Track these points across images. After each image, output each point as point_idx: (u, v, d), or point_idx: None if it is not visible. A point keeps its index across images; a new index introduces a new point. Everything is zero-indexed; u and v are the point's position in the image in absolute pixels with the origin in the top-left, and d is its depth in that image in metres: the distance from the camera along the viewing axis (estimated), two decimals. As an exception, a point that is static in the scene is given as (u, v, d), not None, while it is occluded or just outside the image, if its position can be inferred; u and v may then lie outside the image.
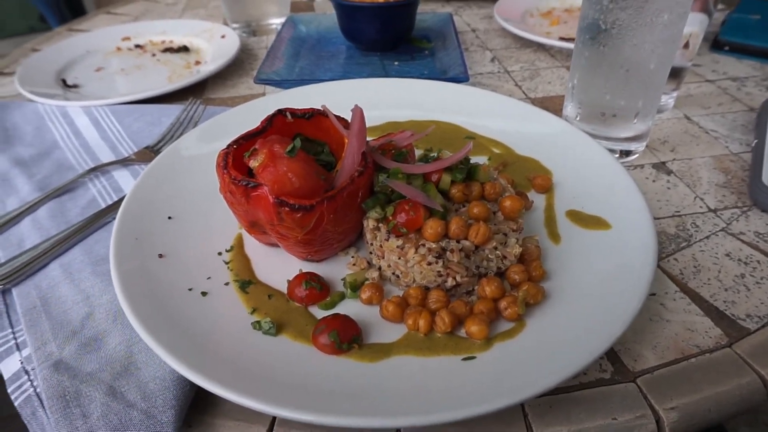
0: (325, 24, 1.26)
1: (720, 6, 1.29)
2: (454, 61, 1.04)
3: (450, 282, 0.56)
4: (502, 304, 0.55)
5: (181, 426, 0.49)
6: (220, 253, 0.63)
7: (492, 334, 0.53)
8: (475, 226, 0.57)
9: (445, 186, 0.61)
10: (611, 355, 0.55)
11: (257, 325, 0.54)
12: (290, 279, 0.59)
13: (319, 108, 0.64)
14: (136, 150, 0.86)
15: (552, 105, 0.97)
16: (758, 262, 0.65)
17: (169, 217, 0.67)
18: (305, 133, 0.65)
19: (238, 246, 0.65)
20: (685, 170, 0.80)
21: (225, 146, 0.59)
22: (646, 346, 0.56)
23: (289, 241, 0.58)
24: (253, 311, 0.56)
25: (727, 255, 0.66)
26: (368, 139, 0.72)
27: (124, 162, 0.83)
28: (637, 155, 0.82)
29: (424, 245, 0.56)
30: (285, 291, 0.59)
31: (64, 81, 1.07)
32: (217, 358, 0.50)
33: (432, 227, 0.56)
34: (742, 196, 0.75)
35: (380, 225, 0.59)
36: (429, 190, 0.59)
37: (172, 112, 0.94)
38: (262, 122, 0.61)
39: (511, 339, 0.53)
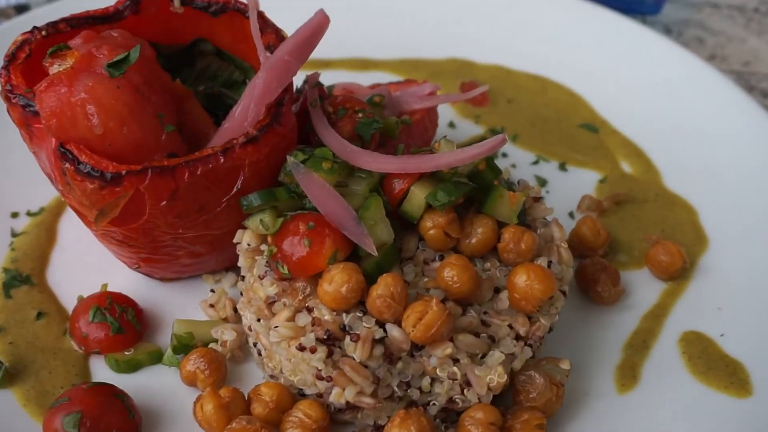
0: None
1: None
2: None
3: (336, 397, 0.27)
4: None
5: None
6: (15, 215, 0.39)
7: None
8: (422, 302, 0.27)
9: (412, 209, 0.31)
10: None
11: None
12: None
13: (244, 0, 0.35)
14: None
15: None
16: None
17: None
18: (217, 43, 0.38)
19: (52, 212, 0.40)
20: None
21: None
22: None
23: (92, 228, 0.32)
24: (-3, 332, 0.32)
25: None
26: (345, 83, 0.41)
27: None
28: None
29: (310, 310, 0.28)
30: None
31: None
32: None
33: (336, 281, 0.28)
34: None
35: (264, 246, 0.31)
36: (369, 208, 0.30)
37: None
38: (118, 1, 0.34)
39: None
